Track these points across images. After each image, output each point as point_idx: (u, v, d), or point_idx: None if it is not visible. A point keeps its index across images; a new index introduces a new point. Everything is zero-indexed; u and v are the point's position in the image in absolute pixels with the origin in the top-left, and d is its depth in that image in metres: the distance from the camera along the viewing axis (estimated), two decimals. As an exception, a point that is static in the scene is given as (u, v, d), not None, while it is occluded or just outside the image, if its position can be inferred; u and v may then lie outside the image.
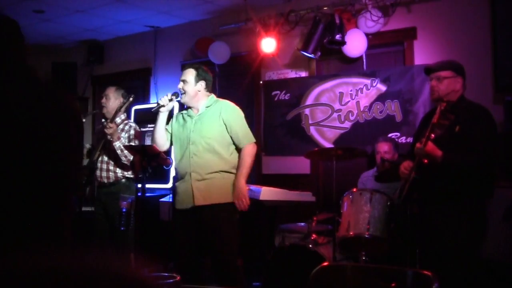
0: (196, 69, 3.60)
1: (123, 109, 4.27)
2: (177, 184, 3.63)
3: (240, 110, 3.68)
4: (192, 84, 3.55)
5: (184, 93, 3.56)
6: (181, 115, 3.71)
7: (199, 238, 3.51)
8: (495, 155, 3.02)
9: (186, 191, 3.50)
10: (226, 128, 3.52)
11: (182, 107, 3.88)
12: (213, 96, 3.67)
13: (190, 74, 3.57)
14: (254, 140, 3.61)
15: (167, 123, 3.73)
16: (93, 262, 0.57)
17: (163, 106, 3.56)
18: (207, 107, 3.58)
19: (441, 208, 3.02)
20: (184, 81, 3.57)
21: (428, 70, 3.18)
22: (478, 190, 3.00)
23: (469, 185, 2.96)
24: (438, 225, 3.02)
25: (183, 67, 6.39)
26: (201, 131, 3.51)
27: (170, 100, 3.58)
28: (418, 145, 2.86)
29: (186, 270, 3.48)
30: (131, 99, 4.22)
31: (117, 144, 4.11)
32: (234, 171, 3.55)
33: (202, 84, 3.57)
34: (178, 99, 3.70)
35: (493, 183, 3.07)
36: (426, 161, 2.87)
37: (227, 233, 3.45)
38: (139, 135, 4.44)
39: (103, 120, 4.31)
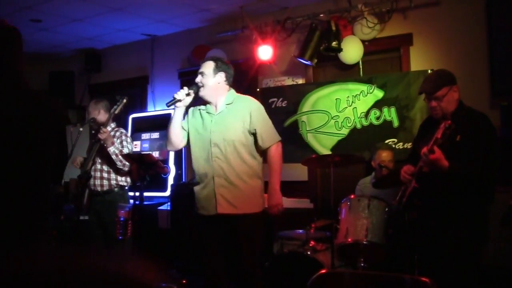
0: (215, 60, 3.36)
1: (117, 111, 4.26)
2: (197, 188, 3.39)
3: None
4: (210, 76, 3.31)
5: (203, 86, 3.31)
6: (198, 111, 3.43)
7: (224, 245, 3.37)
8: (496, 162, 3.01)
9: (208, 197, 3.28)
10: (250, 126, 3.29)
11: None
12: (233, 91, 3.42)
13: (208, 66, 3.33)
14: (279, 139, 3.40)
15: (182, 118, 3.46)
16: (91, 263, 0.57)
17: (179, 101, 3.25)
18: (228, 104, 3.35)
19: (441, 214, 3.02)
20: (202, 73, 3.32)
21: (424, 92, 3.14)
22: (479, 196, 2.99)
23: (470, 192, 2.95)
24: (438, 231, 3.01)
25: (181, 74, 6.52)
26: (224, 132, 3.28)
27: (188, 94, 3.27)
28: (424, 149, 2.84)
29: (214, 278, 3.35)
30: (124, 100, 4.21)
31: (111, 149, 4.15)
32: (259, 176, 3.40)
33: (221, 75, 3.33)
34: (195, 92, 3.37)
35: (493, 189, 3.07)
36: (426, 169, 2.87)
37: (255, 244, 3.31)
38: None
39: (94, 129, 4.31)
